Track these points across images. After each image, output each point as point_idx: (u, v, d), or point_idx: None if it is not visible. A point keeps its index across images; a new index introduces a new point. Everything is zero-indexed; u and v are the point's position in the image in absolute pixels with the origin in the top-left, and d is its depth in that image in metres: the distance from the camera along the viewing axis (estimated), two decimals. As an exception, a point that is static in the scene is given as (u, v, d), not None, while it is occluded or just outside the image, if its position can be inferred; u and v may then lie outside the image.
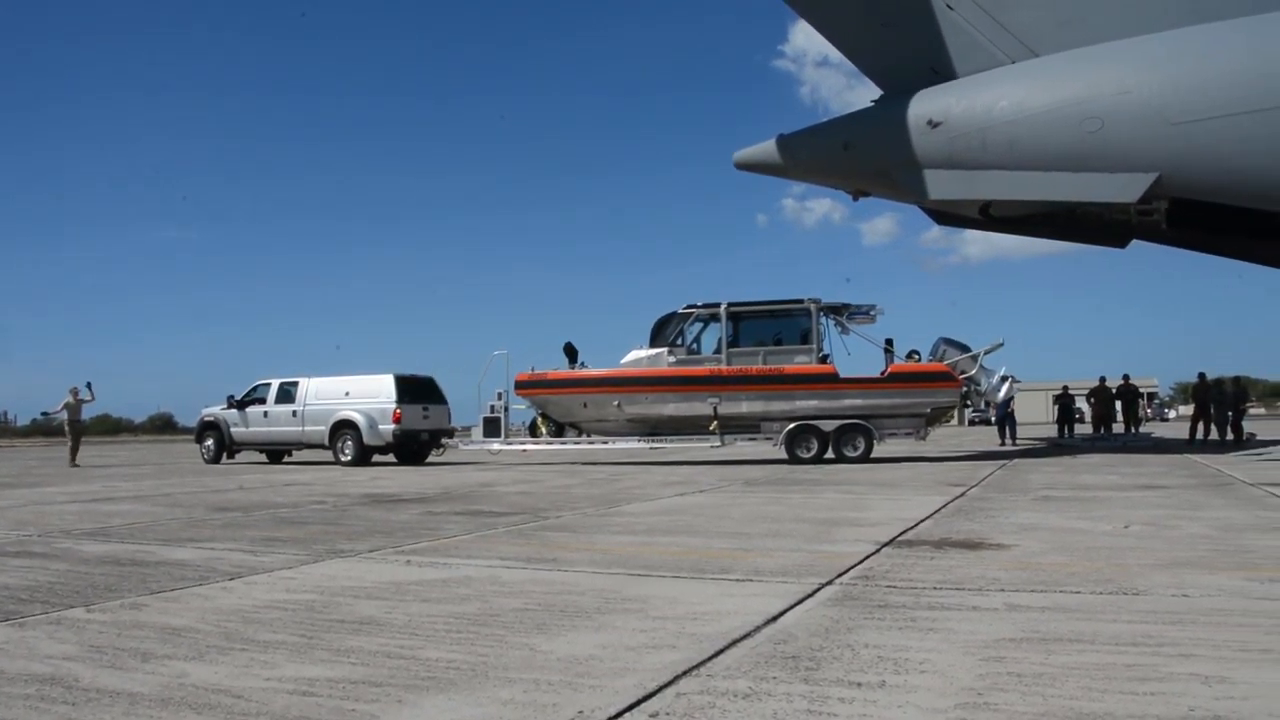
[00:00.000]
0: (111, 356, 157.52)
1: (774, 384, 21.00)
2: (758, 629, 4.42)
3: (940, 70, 19.87)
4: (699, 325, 22.19)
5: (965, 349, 21.15)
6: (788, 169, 22.07)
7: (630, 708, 3.27)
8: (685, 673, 3.69)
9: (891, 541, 7.44)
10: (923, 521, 8.83)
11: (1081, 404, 34.35)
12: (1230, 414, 28.14)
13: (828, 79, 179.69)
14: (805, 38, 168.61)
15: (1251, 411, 44.46)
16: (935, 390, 20.84)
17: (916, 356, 21.66)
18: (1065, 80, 18.79)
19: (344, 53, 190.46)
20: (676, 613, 4.84)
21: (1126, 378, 31.83)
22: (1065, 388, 33.21)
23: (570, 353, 22.96)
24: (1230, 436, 27.56)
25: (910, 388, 20.75)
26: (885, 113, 20.37)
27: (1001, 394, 21.77)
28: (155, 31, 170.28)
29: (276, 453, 26.68)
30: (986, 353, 21.15)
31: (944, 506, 10.27)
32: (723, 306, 21.80)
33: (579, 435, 23.44)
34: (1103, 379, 31.61)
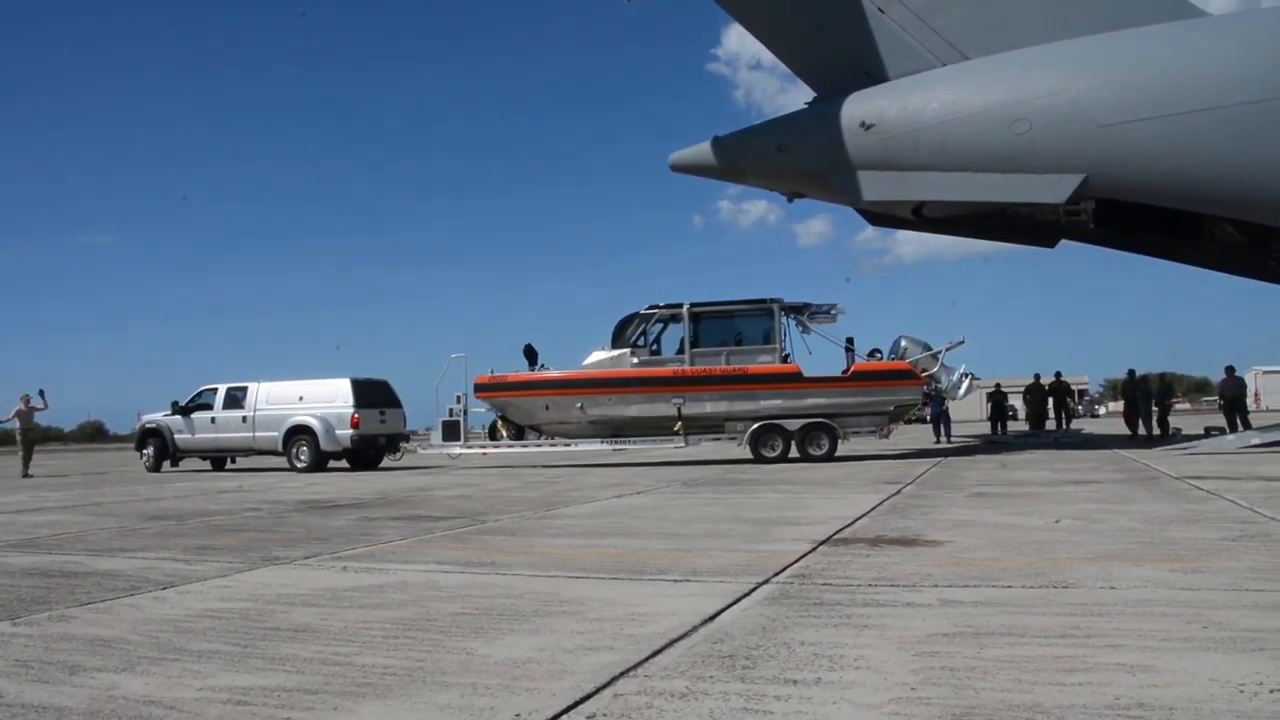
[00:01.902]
0: (36, 364, 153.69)
1: (738, 384, 21.05)
2: (695, 629, 4.44)
3: (873, 73, 20.12)
4: (661, 326, 22.15)
5: (926, 347, 21.40)
6: (723, 171, 22.20)
7: (567, 710, 3.27)
8: (622, 674, 3.70)
9: (828, 540, 7.52)
10: (859, 519, 8.93)
11: (1015, 401, 34.99)
12: (1156, 409, 28.84)
13: (761, 82, 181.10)
14: (739, 41, 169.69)
15: (1177, 407, 45.60)
16: (898, 388, 21.05)
17: (879, 355, 21.88)
18: (994, 83, 19.14)
19: (276, 69, 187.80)
20: (614, 614, 4.85)
21: (1059, 375, 32.46)
22: (998, 385, 33.79)
23: (530, 355, 22.78)
24: (1156, 431, 28.25)
25: (873, 386, 20.94)
26: (819, 115, 20.57)
27: (962, 391, 22.10)
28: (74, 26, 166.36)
29: (219, 460, 26.16)
30: (947, 350, 21.46)
31: (880, 504, 10.39)
32: (685, 307, 21.76)
33: (539, 438, 23.27)
34: (1036, 376, 32.23)
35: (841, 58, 20.41)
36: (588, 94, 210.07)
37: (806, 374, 21.15)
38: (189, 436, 24.96)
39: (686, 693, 3.43)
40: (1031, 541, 7.17)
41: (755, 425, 20.91)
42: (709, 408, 21.23)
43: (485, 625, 4.68)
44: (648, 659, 3.92)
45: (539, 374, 22.38)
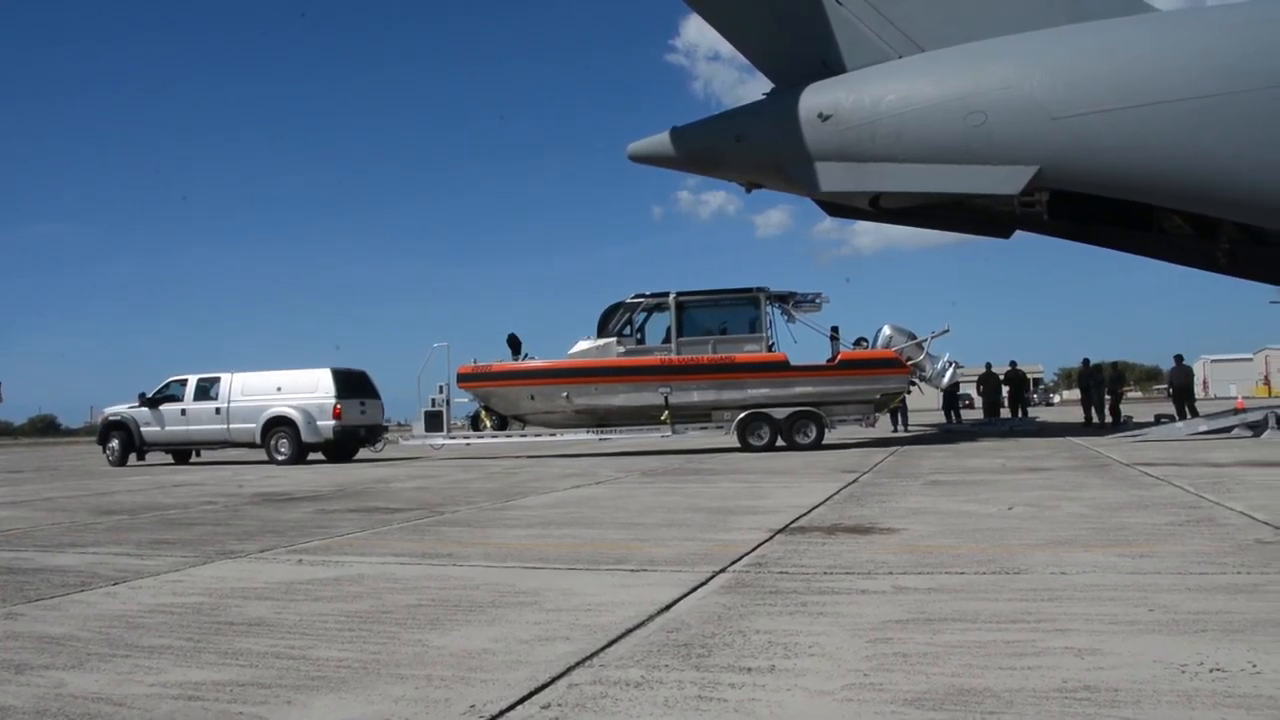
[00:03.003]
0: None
1: (725, 373, 21.09)
2: (651, 618, 4.46)
3: (830, 64, 20.21)
4: (646, 315, 22.13)
5: (912, 336, 21.53)
6: (682, 161, 22.21)
7: (522, 700, 3.28)
8: (578, 664, 3.71)
9: (785, 529, 7.56)
10: (816, 508, 8.99)
11: (970, 390, 35.30)
12: (1109, 397, 29.29)
13: (720, 73, 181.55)
14: (697, 32, 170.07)
15: (1128, 395, 46.32)
16: (884, 377, 21.19)
17: (865, 344, 21.99)
18: (951, 75, 19.30)
19: (223, 52, 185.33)
20: (570, 604, 4.85)
21: (1014, 364, 32.82)
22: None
23: (514, 344, 22.68)
24: (1109, 419, 28.68)
25: (860, 374, 21.06)
26: (777, 106, 20.63)
27: (946, 379, 22.30)
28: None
29: (183, 453, 25.58)
30: (933, 339, 21.62)
31: (837, 493, 10.47)
32: (671, 296, 21.76)
33: (523, 428, 23.12)
34: (988, 365, 32.58)
35: (799, 49, 20.49)
36: (545, 84, 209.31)
37: (793, 363, 21.24)
38: (157, 429, 24.35)
39: (641, 682, 3.45)
40: (985, 528, 7.25)
41: (743, 414, 20.95)
42: (696, 397, 21.24)
43: (441, 617, 4.67)
44: (603, 649, 3.93)
45: (524, 364, 22.28)
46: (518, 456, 22.00)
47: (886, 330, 21.66)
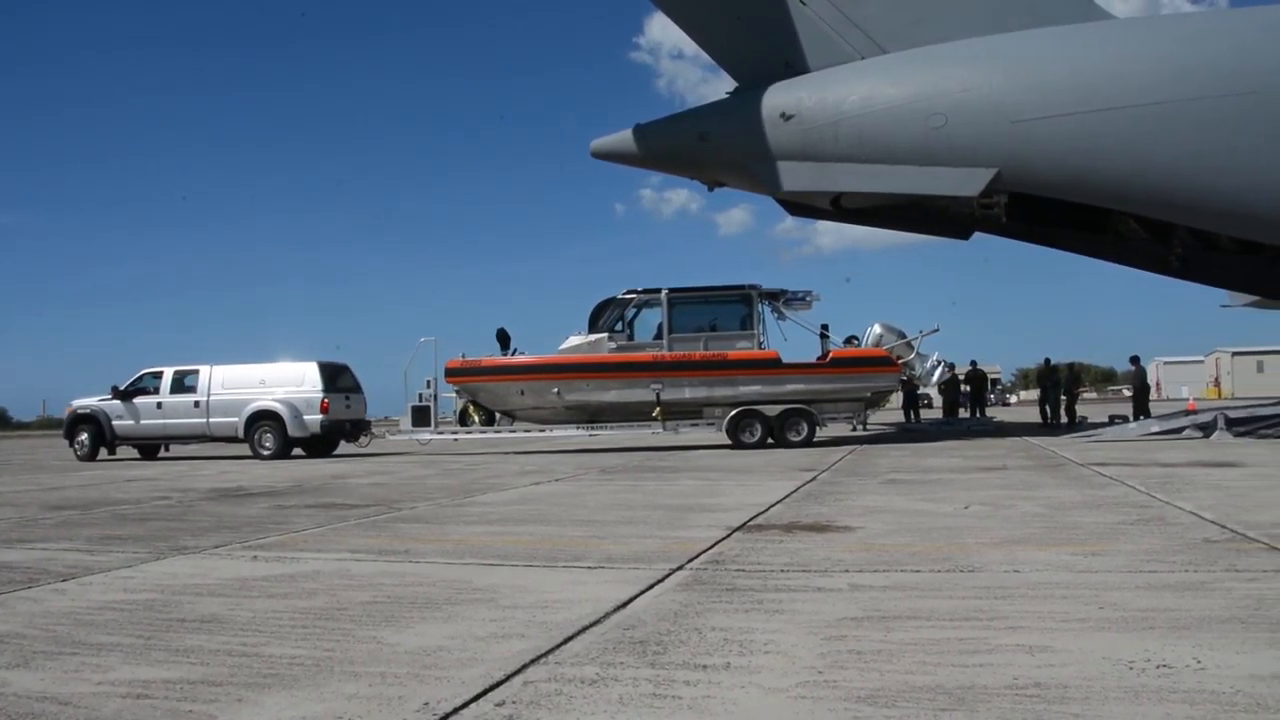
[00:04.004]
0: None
1: (717, 370, 21.02)
2: (607, 615, 4.46)
3: (794, 64, 20.28)
4: (638, 311, 22.03)
5: (901, 334, 21.60)
6: (644, 159, 22.17)
7: (477, 698, 3.27)
8: (533, 661, 3.71)
9: (742, 526, 7.59)
10: (774, 506, 9.03)
11: (930, 390, 35.54)
12: (1065, 398, 29.66)
13: (684, 71, 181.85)
14: (661, 30, 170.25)
15: (1084, 396, 46.95)
16: (875, 375, 21.23)
17: (856, 342, 22.00)
18: (912, 77, 19.44)
19: (205, 46, 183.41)
20: (527, 601, 4.84)
21: (974, 364, 33.09)
22: (911, 375, 34.27)
23: (503, 339, 22.51)
24: (1064, 419, 29.04)
25: (851, 373, 21.06)
26: (740, 105, 20.66)
27: (935, 378, 22.41)
28: None
29: (151, 448, 24.83)
30: (923, 338, 21.73)
31: (795, 491, 10.52)
32: (663, 292, 21.71)
33: (511, 424, 22.91)
34: (951, 365, 32.82)
35: (763, 48, 20.53)
36: (509, 81, 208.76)
37: (785, 360, 21.26)
38: (130, 423, 23.53)
39: (597, 679, 3.45)
40: (941, 527, 7.33)
41: (734, 411, 20.89)
42: (688, 393, 21.16)
43: (397, 614, 4.64)
44: (559, 646, 3.92)
45: (514, 359, 22.12)
46: (478, 453, 21.88)
47: (877, 329, 21.70)
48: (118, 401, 23.60)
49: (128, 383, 23.84)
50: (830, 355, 21.46)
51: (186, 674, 3.65)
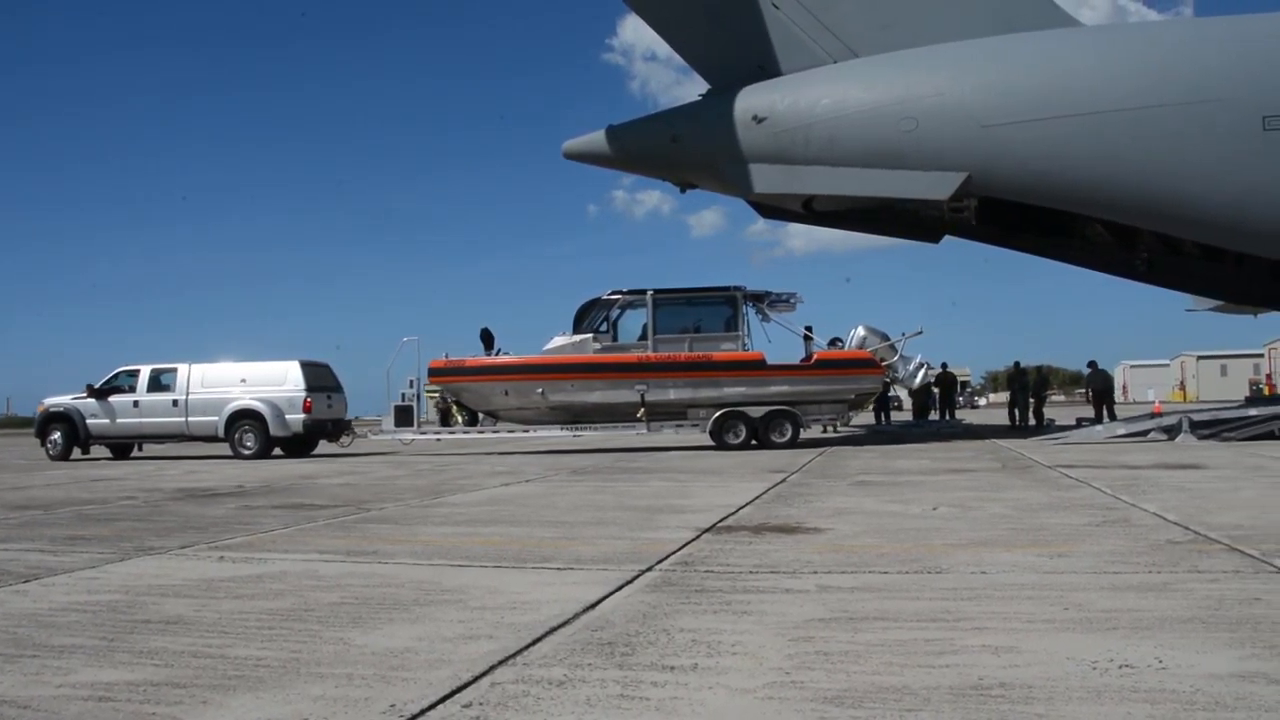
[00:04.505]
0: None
1: (702, 371, 21.02)
2: (576, 616, 4.46)
3: (766, 67, 20.35)
4: (624, 312, 21.98)
5: (885, 337, 21.66)
6: (617, 160, 22.19)
7: (444, 699, 3.26)
8: (501, 662, 3.70)
9: (712, 528, 7.60)
10: (743, 508, 9.06)
11: (899, 391, 35.70)
12: (1033, 401, 29.94)
13: (657, 73, 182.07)
14: (634, 32, 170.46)
15: (1052, 398, 47.38)
16: (860, 377, 21.28)
17: (840, 344, 22.08)
18: (884, 81, 19.57)
19: (170, 49, 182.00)
20: (496, 603, 4.83)
21: (945, 366, 33.29)
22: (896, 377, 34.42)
23: (486, 339, 22.42)
24: (1032, 422, 29.31)
25: (836, 374, 21.12)
26: (712, 107, 20.72)
27: (918, 380, 22.55)
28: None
29: (124, 447, 24.42)
30: (906, 340, 21.82)
31: (765, 493, 10.55)
32: (649, 293, 21.68)
33: (494, 424, 22.82)
34: (932, 367, 32.97)
35: (735, 51, 20.60)
36: (481, 82, 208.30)
37: (770, 362, 21.28)
38: (106, 422, 23.12)
39: (564, 680, 3.45)
40: (909, 528, 7.37)
41: (719, 412, 20.86)
42: (673, 394, 21.12)
43: (364, 615, 4.62)
44: (527, 647, 3.92)
45: (499, 359, 22.05)
46: (449, 454, 21.80)
47: (860, 331, 21.75)
48: (92, 400, 23.21)
49: (102, 381, 23.45)
50: (815, 357, 21.53)
51: (150, 676, 3.62)
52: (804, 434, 21.43)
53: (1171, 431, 19.08)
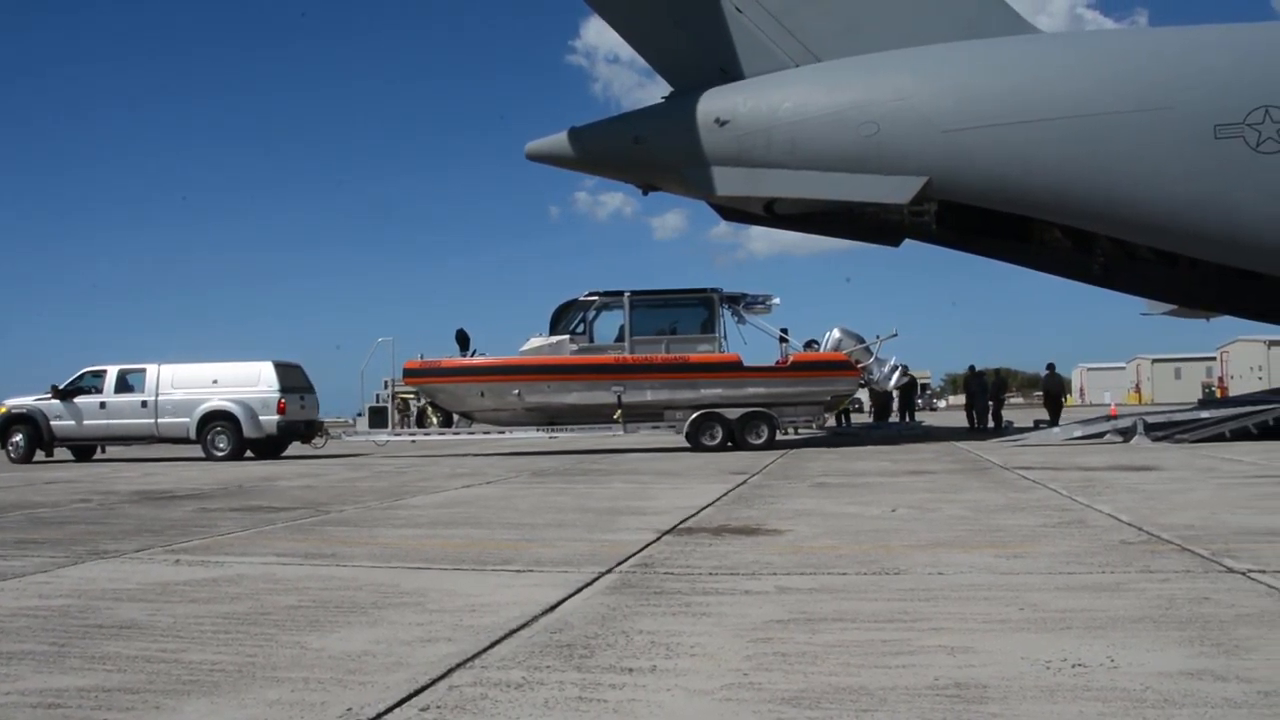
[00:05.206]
0: None
1: (679, 372, 21.04)
2: (535, 619, 4.45)
3: (729, 70, 20.44)
4: (600, 313, 21.96)
5: (860, 339, 21.76)
6: (579, 161, 22.20)
7: (401, 702, 3.24)
8: (459, 665, 3.68)
9: (672, 529, 7.62)
10: (704, 509, 9.08)
11: (860, 394, 35.93)
12: (991, 403, 30.26)
13: (620, 76, 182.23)
14: (597, 34, 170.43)
15: (1010, 401, 47.85)
16: (836, 379, 21.41)
17: (815, 346, 22.18)
18: (845, 85, 19.72)
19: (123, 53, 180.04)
20: (455, 605, 4.81)
21: (905, 369, 33.49)
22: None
23: (462, 340, 22.25)
24: (991, 424, 29.61)
25: (812, 376, 21.23)
26: (675, 109, 20.78)
27: (893, 382, 22.72)
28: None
29: (87, 449, 24.02)
30: (881, 342, 21.90)
31: (726, 494, 10.58)
32: (626, 295, 21.63)
33: (470, 425, 22.71)
34: (907, 368, 33.25)
35: (698, 54, 20.67)
36: (442, 80, 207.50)
37: (746, 363, 21.33)
38: (71, 424, 22.66)
39: (523, 683, 3.44)
40: (868, 530, 7.42)
41: (695, 414, 20.86)
42: (649, 396, 21.10)
43: (322, 618, 4.58)
44: (486, 650, 3.91)
45: (475, 360, 21.90)
46: (410, 455, 21.67)
47: (836, 333, 21.85)
48: (57, 401, 22.75)
49: (67, 382, 23.02)
50: (791, 359, 21.66)
51: (102, 682, 3.57)
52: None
53: (1127, 433, 19.36)
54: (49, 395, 22.94)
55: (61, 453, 23.74)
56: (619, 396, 20.94)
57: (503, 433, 22.22)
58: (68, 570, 6.22)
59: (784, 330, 22.44)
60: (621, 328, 21.77)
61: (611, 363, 21.31)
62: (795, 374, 21.29)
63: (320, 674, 3.61)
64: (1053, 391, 29.92)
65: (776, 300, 22.62)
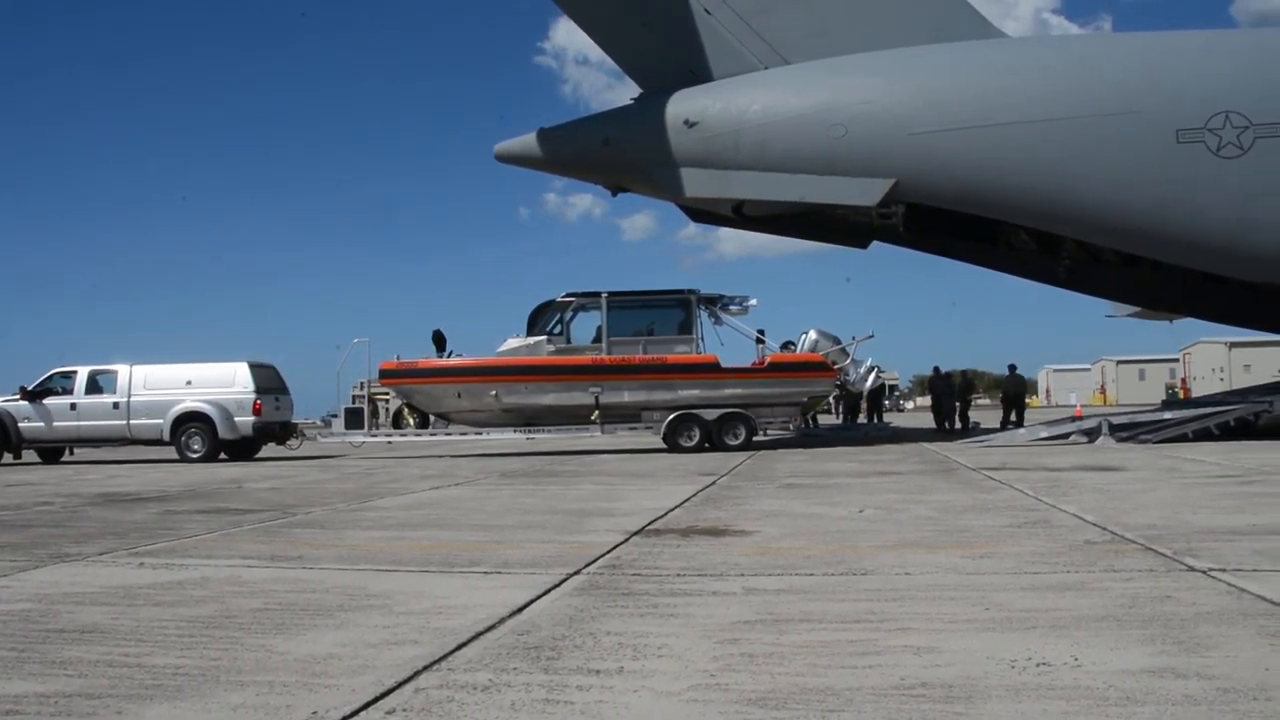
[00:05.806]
0: None
1: (656, 373, 21.01)
2: (502, 621, 4.43)
3: (698, 72, 20.48)
4: (577, 314, 21.93)
5: (836, 340, 21.86)
6: (548, 162, 22.17)
7: (366, 706, 3.22)
8: (425, 668, 3.66)
9: (640, 531, 7.61)
10: (672, 510, 9.08)
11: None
12: (958, 404, 30.50)
13: (589, 77, 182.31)
14: (566, 35, 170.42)
15: (977, 401, 48.22)
16: (812, 380, 21.52)
17: (792, 347, 22.26)
18: (814, 88, 19.82)
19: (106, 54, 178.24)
20: (421, 607, 4.79)
21: (879, 370, 33.69)
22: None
23: (438, 341, 22.20)
24: (958, 425, 29.84)
25: (789, 377, 21.28)
26: (644, 111, 20.80)
27: (868, 384, 22.83)
28: None
29: (54, 451, 23.67)
30: (857, 344, 22.05)
31: (694, 495, 10.59)
32: (603, 296, 21.62)
33: (446, 426, 22.57)
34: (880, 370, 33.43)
35: (668, 56, 20.70)
36: (411, 81, 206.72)
37: (724, 365, 21.35)
38: (40, 425, 22.27)
39: (489, 685, 3.43)
40: (835, 531, 7.45)
41: (673, 415, 20.84)
42: (627, 397, 21.07)
43: (287, 621, 4.54)
44: (452, 652, 3.88)
45: (452, 361, 21.86)
46: (379, 457, 21.54)
47: (812, 334, 21.97)
48: (25, 403, 22.38)
49: (36, 383, 22.65)
50: (769, 360, 21.70)
51: (63, 687, 3.51)
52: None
53: (1091, 434, 19.57)
54: (17, 396, 22.59)
55: (28, 454, 23.40)
56: (596, 397, 20.92)
57: (480, 434, 22.13)
58: (29, 574, 6.13)
59: (761, 331, 22.52)
60: (599, 329, 21.75)
61: (589, 364, 21.29)
62: (772, 375, 21.33)
63: (285, 677, 3.58)
64: (1012, 392, 30.23)
65: (754, 301, 22.74)
